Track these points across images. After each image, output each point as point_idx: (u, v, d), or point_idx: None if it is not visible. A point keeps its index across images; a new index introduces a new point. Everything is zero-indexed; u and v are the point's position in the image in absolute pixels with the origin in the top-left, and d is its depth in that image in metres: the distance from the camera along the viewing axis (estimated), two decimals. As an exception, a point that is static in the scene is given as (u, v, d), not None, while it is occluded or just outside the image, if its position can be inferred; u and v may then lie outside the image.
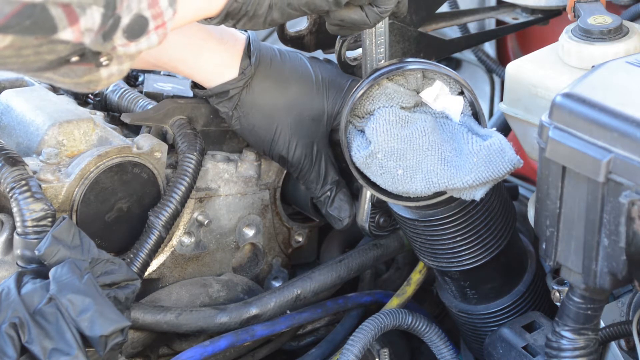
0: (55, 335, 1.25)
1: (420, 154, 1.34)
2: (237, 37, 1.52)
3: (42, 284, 1.29)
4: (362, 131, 1.38)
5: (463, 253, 1.47)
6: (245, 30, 1.54)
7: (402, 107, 1.37)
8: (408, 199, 1.38)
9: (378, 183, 1.38)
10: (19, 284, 1.30)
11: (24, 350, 1.25)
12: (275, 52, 1.54)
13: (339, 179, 1.56)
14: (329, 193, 1.55)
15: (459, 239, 1.45)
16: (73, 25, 1.08)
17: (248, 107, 1.51)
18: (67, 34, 1.09)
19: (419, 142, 1.34)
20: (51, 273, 1.30)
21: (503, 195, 1.49)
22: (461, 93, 1.39)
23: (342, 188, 1.56)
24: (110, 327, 1.26)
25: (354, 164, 1.38)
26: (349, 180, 1.54)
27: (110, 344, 1.26)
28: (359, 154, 1.36)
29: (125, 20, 1.12)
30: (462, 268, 1.49)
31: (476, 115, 1.38)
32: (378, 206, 1.55)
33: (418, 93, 1.39)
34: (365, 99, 1.37)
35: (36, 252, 1.33)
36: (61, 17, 1.07)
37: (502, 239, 1.48)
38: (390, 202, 1.40)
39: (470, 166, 1.31)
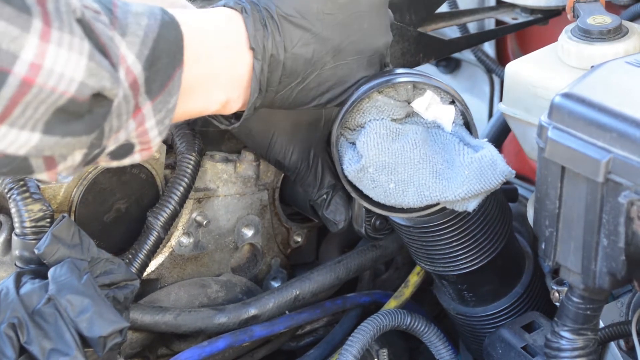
0: (54, 335, 1.25)
1: (411, 167, 1.33)
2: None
3: (41, 284, 1.29)
4: (354, 144, 1.37)
5: (459, 257, 1.47)
6: None
7: (393, 119, 1.36)
8: (401, 210, 1.37)
9: (370, 196, 1.37)
10: (18, 284, 1.30)
11: (22, 350, 1.25)
12: None
13: (335, 182, 1.56)
14: (325, 196, 1.55)
15: (455, 244, 1.45)
16: (50, 170, 1.08)
17: None
18: (42, 175, 1.09)
19: (411, 155, 1.33)
20: (50, 273, 1.30)
21: (499, 198, 1.48)
22: (452, 102, 1.38)
23: (338, 191, 1.56)
24: (109, 328, 1.26)
25: (345, 177, 1.38)
26: None
27: (109, 344, 1.26)
28: (351, 167, 1.36)
29: (110, 148, 1.12)
30: (458, 272, 1.48)
31: (467, 125, 1.37)
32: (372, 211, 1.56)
33: (409, 103, 1.38)
34: (355, 112, 1.36)
35: (36, 251, 1.33)
36: (39, 165, 1.07)
37: (498, 242, 1.48)
38: (384, 213, 1.40)
39: (462, 179, 1.30)
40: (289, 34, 1.26)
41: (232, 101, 1.26)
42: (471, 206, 1.32)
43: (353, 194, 1.38)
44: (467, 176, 1.30)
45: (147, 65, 1.09)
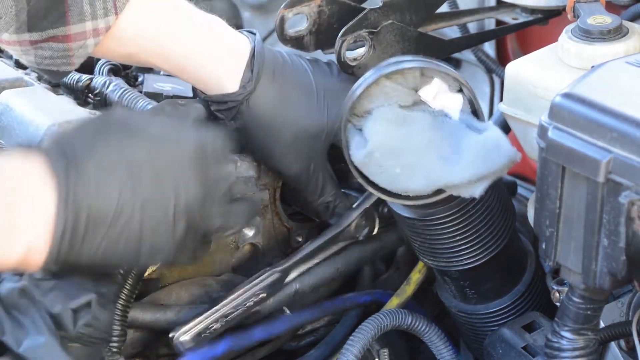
0: (29, 325, 1.25)
1: (418, 152, 1.34)
2: (242, 46, 1.51)
3: (20, 282, 1.29)
4: (361, 130, 1.38)
5: (462, 252, 1.47)
6: (253, 33, 1.54)
7: (401, 106, 1.37)
8: (407, 197, 1.38)
9: (377, 182, 1.38)
10: None
11: (4, 349, 1.25)
12: (279, 62, 1.53)
13: (336, 191, 1.57)
14: (327, 205, 1.56)
15: (458, 238, 1.45)
16: None
17: (246, 120, 1.51)
18: None
19: (417, 140, 1.34)
20: None
21: (502, 194, 1.49)
22: (460, 91, 1.39)
23: (340, 200, 1.56)
24: (73, 302, 1.26)
25: (352, 163, 1.38)
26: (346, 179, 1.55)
27: (80, 320, 1.26)
28: (358, 153, 1.37)
29: None
30: (461, 267, 1.49)
31: (475, 113, 1.38)
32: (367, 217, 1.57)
33: (417, 91, 1.39)
34: (363, 98, 1.38)
35: None
36: None
37: (501, 239, 1.48)
38: (390, 200, 1.40)
39: (467, 162, 1.31)
40: (93, 179, 1.20)
41: (34, 251, 1.17)
42: (477, 191, 1.33)
43: (360, 180, 1.39)
44: (472, 158, 1.31)
45: None
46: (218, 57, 1.49)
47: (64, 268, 1.22)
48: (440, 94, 1.38)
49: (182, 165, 1.27)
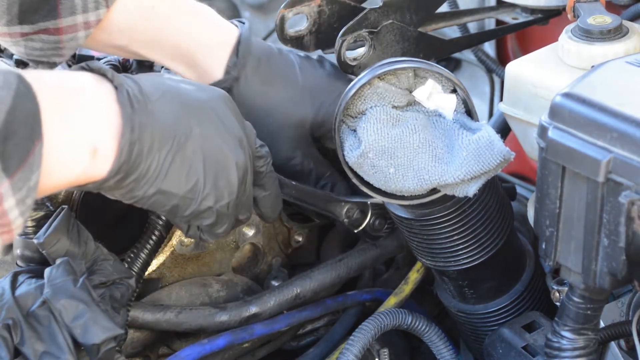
0: (47, 338, 1.25)
1: (411, 151, 1.35)
2: (230, 34, 1.52)
3: (37, 285, 1.29)
4: (355, 131, 1.39)
5: (460, 252, 1.47)
6: (243, 22, 1.55)
7: (394, 106, 1.38)
8: (402, 197, 1.38)
9: (371, 182, 1.38)
10: (14, 284, 1.30)
11: (17, 352, 1.25)
12: (266, 52, 1.54)
13: (332, 173, 1.56)
14: (328, 188, 1.56)
15: (455, 238, 1.46)
16: None
17: None
18: None
19: (410, 140, 1.35)
20: (46, 273, 1.30)
21: (499, 193, 1.49)
22: (454, 91, 1.39)
23: (339, 180, 1.56)
24: (102, 336, 1.27)
25: (347, 163, 1.39)
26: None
27: (102, 350, 1.27)
28: (351, 153, 1.37)
29: None
30: (459, 267, 1.49)
31: (469, 113, 1.38)
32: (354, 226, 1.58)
33: (411, 92, 1.39)
34: (357, 98, 1.38)
35: (35, 241, 1.33)
36: None
37: (499, 238, 1.48)
38: (385, 200, 1.41)
39: (460, 161, 1.31)
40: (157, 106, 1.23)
41: (101, 154, 1.17)
42: (471, 190, 1.33)
43: (355, 181, 1.39)
44: (465, 158, 1.31)
45: (1, 139, 1.01)
46: (207, 46, 1.50)
47: (123, 189, 1.22)
48: (434, 94, 1.38)
49: (233, 122, 1.34)
